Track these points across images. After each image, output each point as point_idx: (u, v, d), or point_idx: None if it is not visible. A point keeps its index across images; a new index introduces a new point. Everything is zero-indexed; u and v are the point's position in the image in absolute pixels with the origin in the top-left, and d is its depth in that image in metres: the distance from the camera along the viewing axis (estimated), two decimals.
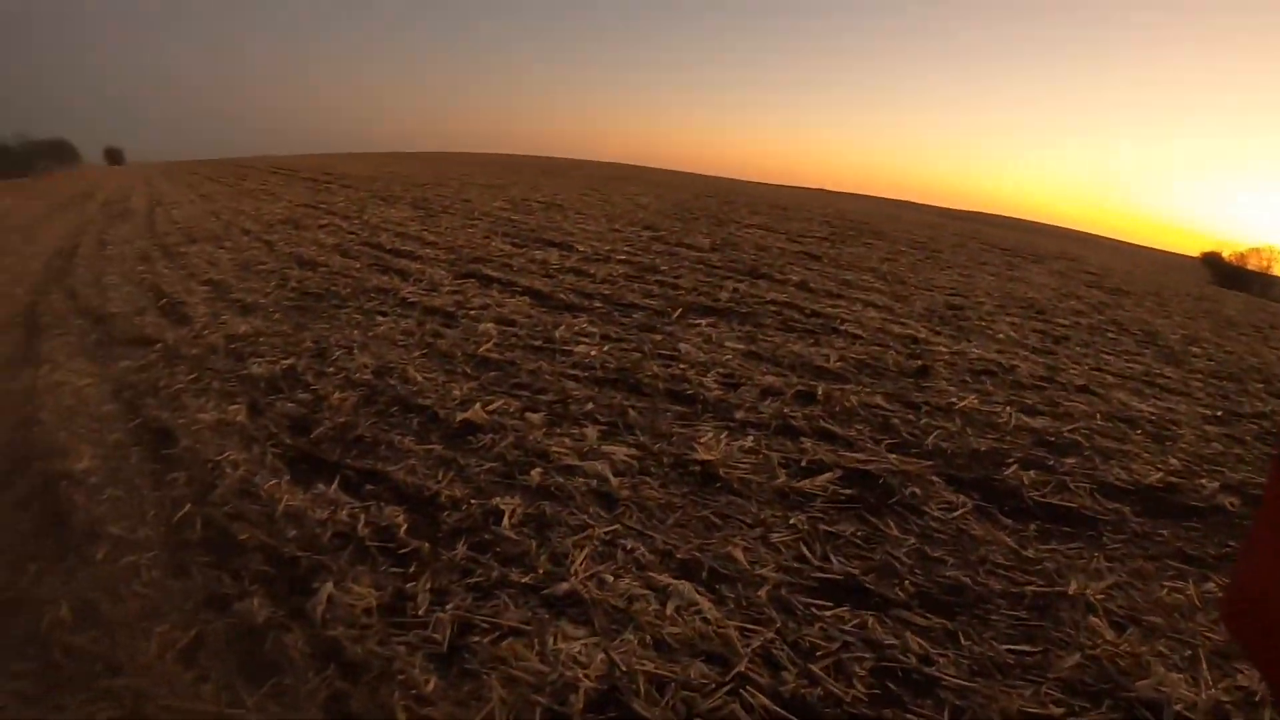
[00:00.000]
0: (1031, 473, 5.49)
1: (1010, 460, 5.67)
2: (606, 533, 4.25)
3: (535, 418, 5.62)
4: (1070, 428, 6.44)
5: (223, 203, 23.79)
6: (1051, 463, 5.72)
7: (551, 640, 3.53)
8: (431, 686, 3.29)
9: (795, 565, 4.24)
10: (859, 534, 4.57)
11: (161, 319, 9.29)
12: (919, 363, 7.65)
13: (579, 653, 3.44)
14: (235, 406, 6.12)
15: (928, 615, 3.90)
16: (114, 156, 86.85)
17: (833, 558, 4.33)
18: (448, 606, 3.70)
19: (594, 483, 4.77)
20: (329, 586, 3.83)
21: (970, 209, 75.51)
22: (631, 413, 5.75)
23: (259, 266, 12.14)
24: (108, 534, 4.47)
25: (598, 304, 8.68)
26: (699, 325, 7.73)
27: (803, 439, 5.72)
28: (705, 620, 3.68)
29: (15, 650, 3.70)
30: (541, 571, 3.93)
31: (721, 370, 6.54)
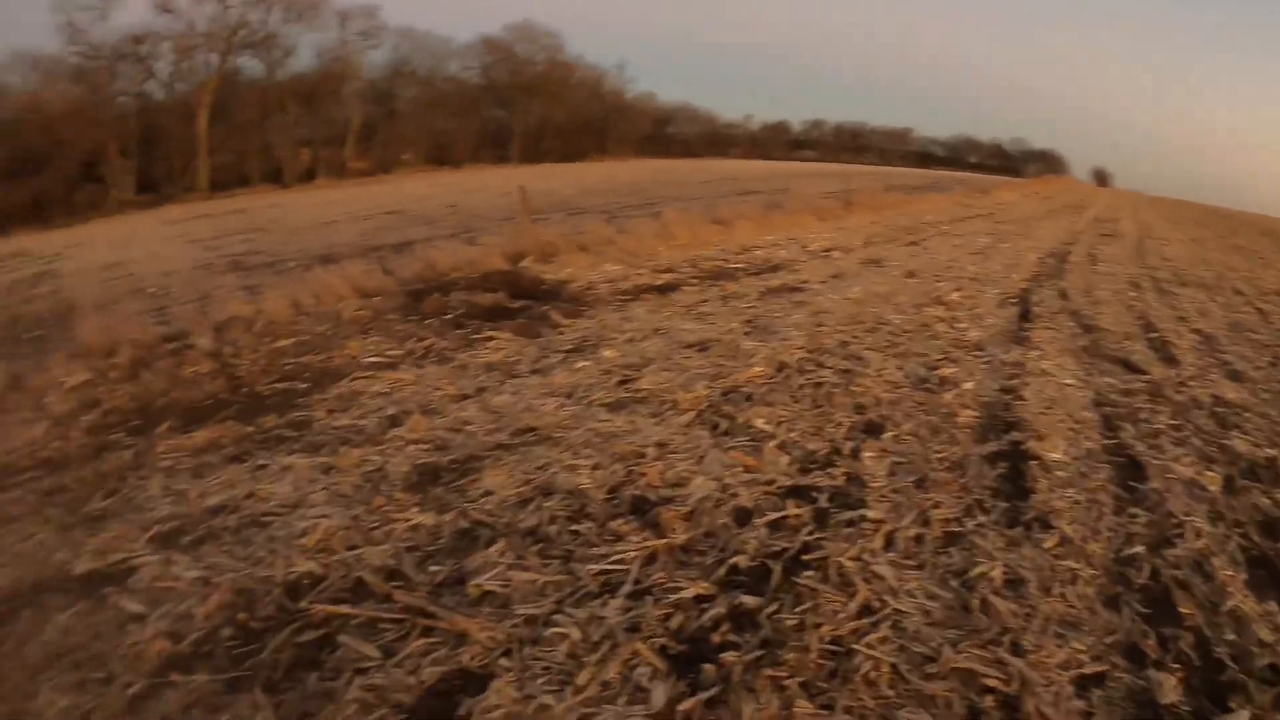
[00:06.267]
0: None
1: None
2: None
3: None
4: None
5: (1212, 252, 22.99)
6: None
7: None
8: None
9: None
10: None
11: (1149, 352, 9.30)
12: None
13: None
14: (1211, 474, 5.77)
15: None
16: (1101, 178, 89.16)
17: None
18: None
19: None
20: (1244, 715, 3.39)
21: None
22: None
23: (1251, 334, 11.31)
24: (1059, 529, 4.62)
25: None
26: None
27: None
28: None
29: (939, 581, 4.06)
30: None
31: None
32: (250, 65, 52.59)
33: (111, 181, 45.75)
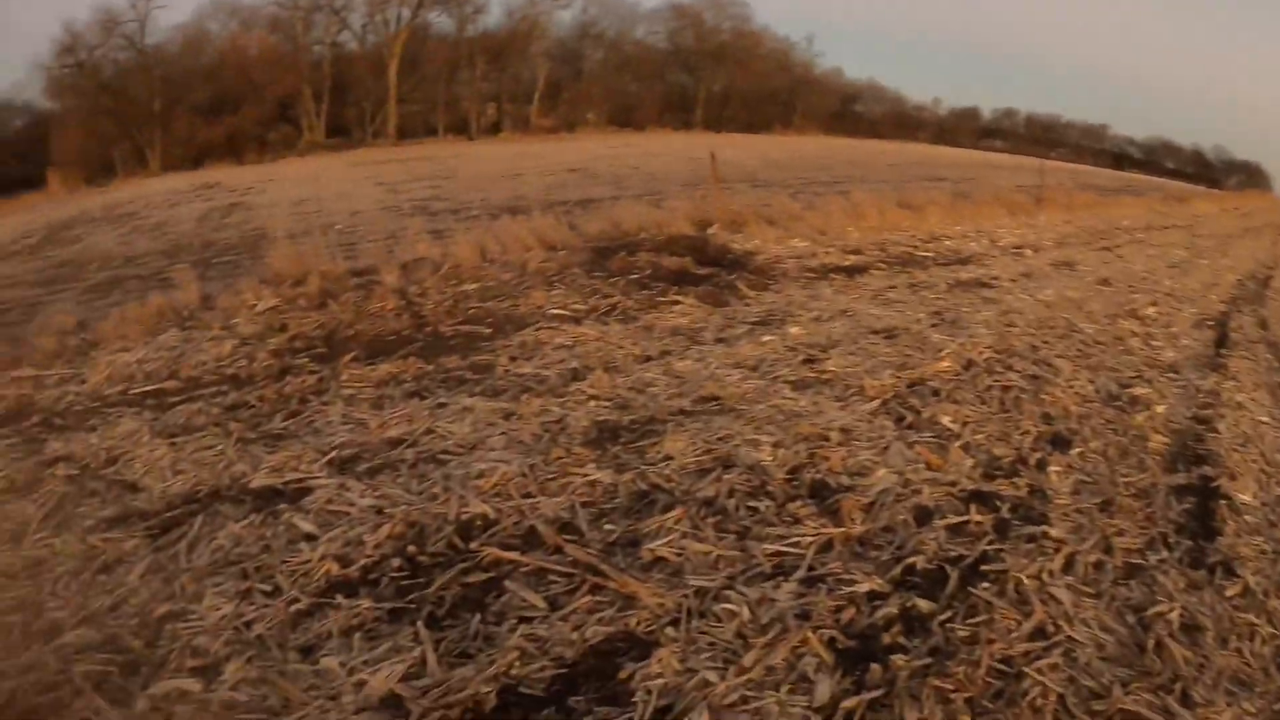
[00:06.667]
0: None
1: None
2: None
3: None
4: None
5: None
6: None
7: None
8: None
9: None
10: None
11: None
12: None
13: None
14: None
15: None
16: None
17: None
18: None
19: None
20: None
21: None
22: None
23: None
24: (1243, 579, 4.21)
25: None
26: None
27: None
28: None
29: (1116, 614, 3.77)
30: None
31: None
32: (440, 21, 54.41)
33: (304, 124, 48.41)
